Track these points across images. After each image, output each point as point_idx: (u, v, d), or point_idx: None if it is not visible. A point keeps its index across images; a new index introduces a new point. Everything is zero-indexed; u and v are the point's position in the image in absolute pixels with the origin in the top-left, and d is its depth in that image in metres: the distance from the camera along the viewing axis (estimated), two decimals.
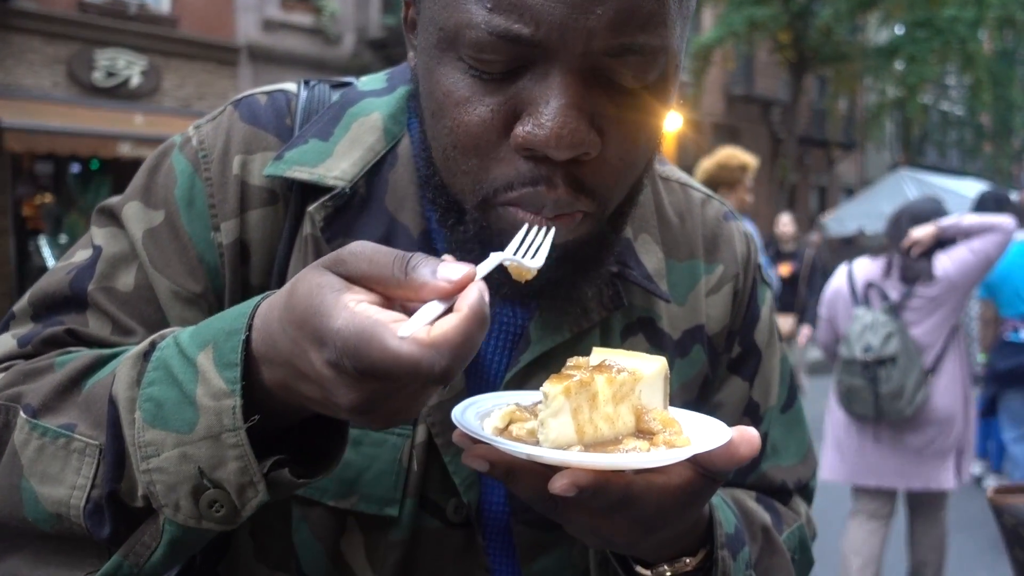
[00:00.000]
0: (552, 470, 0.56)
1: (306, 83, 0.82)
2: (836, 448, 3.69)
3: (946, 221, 3.52)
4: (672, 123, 20.24)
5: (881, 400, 3.40)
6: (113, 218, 0.77)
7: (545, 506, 0.60)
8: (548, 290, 0.71)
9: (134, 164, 12.82)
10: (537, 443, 0.58)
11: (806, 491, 0.96)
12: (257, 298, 0.58)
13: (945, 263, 3.46)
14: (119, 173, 12.81)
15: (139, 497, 0.58)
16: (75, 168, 11.79)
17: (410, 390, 0.52)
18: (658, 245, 0.84)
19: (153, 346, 0.60)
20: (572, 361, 0.63)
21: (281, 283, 0.74)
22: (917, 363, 3.40)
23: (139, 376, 0.58)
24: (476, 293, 0.49)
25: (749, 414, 0.90)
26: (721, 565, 0.70)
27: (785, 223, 7.34)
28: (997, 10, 17.30)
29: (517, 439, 0.59)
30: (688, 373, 0.85)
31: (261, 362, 0.55)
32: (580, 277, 0.72)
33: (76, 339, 0.70)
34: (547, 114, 0.60)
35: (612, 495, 0.57)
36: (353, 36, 15.54)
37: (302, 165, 0.74)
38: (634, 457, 0.57)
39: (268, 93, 0.81)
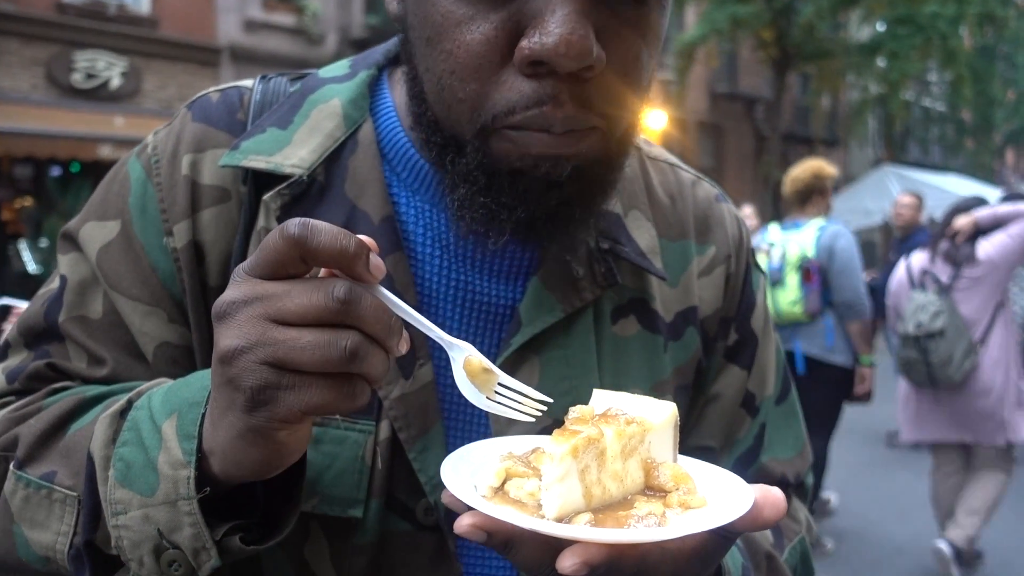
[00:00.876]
0: (557, 540, 0.51)
1: (263, 77, 0.80)
2: (912, 414, 4.35)
3: (981, 212, 4.15)
4: (656, 121, 20.28)
5: (932, 368, 4.01)
6: (73, 243, 0.75)
7: (546, 571, 0.54)
8: (560, 215, 0.66)
9: (114, 166, 12.72)
10: (539, 506, 0.53)
11: (803, 489, 0.92)
12: None
13: (987, 247, 4.09)
14: (99, 176, 12.64)
15: (112, 547, 0.60)
16: (55, 171, 11.67)
17: (276, 298, 0.51)
18: (650, 222, 0.81)
19: (130, 404, 0.62)
20: (575, 411, 0.58)
21: None
22: (965, 335, 4.03)
23: (114, 435, 0.61)
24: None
25: (746, 405, 0.87)
26: None
27: (748, 215, 6.85)
28: (977, 6, 17.44)
29: (516, 502, 0.54)
30: (682, 357, 0.82)
31: (212, 419, 0.56)
32: (588, 203, 0.68)
33: (57, 372, 0.71)
34: (554, 22, 0.58)
35: (626, 570, 0.51)
36: (336, 36, 15.46)
37: (259, 154, 0.72)
38: (653, 531, 0.51)
39: (221, 90, 0.79)
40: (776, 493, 0.55)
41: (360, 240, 0.52)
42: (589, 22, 0.59)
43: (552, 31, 0.58)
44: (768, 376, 0.89)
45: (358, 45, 15.52)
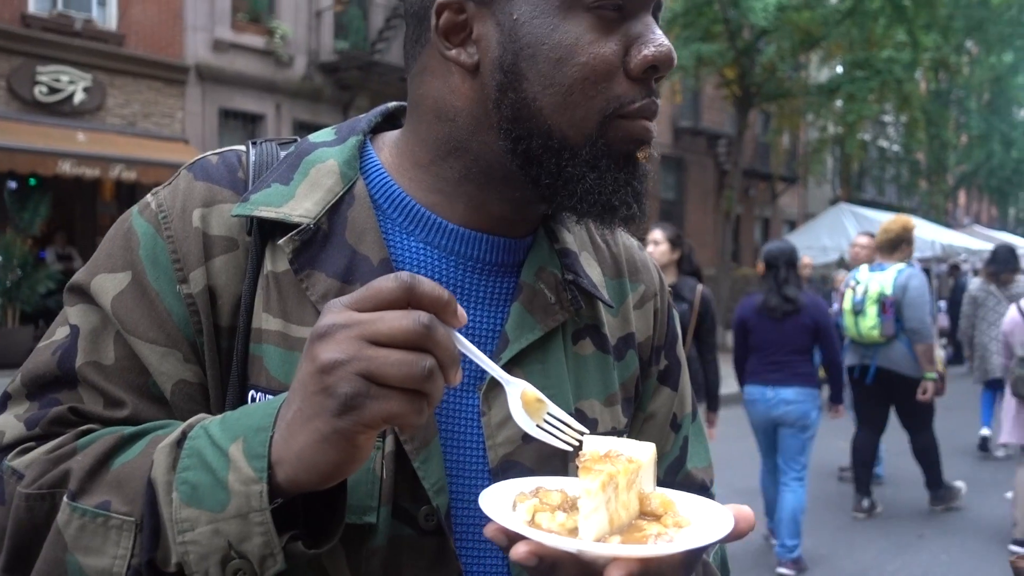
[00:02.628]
0: (590, 563, 0.63)
1: (253, 143, 0.90)
2: (1013, 420, 5.42)
3: None
4: None
5: None
6: (82, 294, 0.81)
7: None
8: (645, 192, 0.84)
9: (75, 182, 12.59)
10: (570, 532, 0.65)
11: (711, 494, 1.03)
12: (279, 401, 0.67)
13: None
14: (59, 191, 12.51)
15: (172, 564, 0.66)
16: (12, 185, 11.47)
17: (366, 325, 0.61)
18: (596, 262, 0.97)
19: (184, 435, 0.69)
20: (587, 453, 0.69)
21: (248, 320, 0.80)
22: None
23: (174, 462, 0.67)
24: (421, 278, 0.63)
25: (672, 421, 1.01)
26: None
27: (657, 239, 4.90)
28: (932, 53, 18.06)
29: (550, 532, 0.65)
30: (625, 375, 0.96)
31: (279, 442, 0.65)
32: (654, 168, 0.86)
33: (78, 416, 0.76)
34: (657, 40, 0.79)
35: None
36: (304, 59, 15.50)
37: (267, 206, 0.81)
38: (672, 546, 0.64)
39: (218, 154, 0.88)
40: (746, 510, 0.67)
41: (450, 293, 0.64)
42: None
43: (661, 45, 0.79)
44: (687, 397, 1.04)
45: (327, 69, 15.57)
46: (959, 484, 6.50)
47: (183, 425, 0.70)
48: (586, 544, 0.63)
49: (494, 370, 0.71)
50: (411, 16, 0.85)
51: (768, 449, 5.25)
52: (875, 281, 5.76)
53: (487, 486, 0.74)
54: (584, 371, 0.91)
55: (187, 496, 0.65)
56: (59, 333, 0.81)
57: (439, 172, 0.85)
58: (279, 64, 15.08)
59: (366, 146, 0.90)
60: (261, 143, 0.90)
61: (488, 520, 0.66)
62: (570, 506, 0.68)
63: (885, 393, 6.00)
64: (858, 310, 5.79)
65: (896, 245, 5.90)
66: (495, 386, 0.83)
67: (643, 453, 0.69)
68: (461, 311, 0.65)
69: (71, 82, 12.63)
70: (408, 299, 0.62)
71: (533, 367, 0.85)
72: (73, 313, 0.81)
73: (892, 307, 5.66)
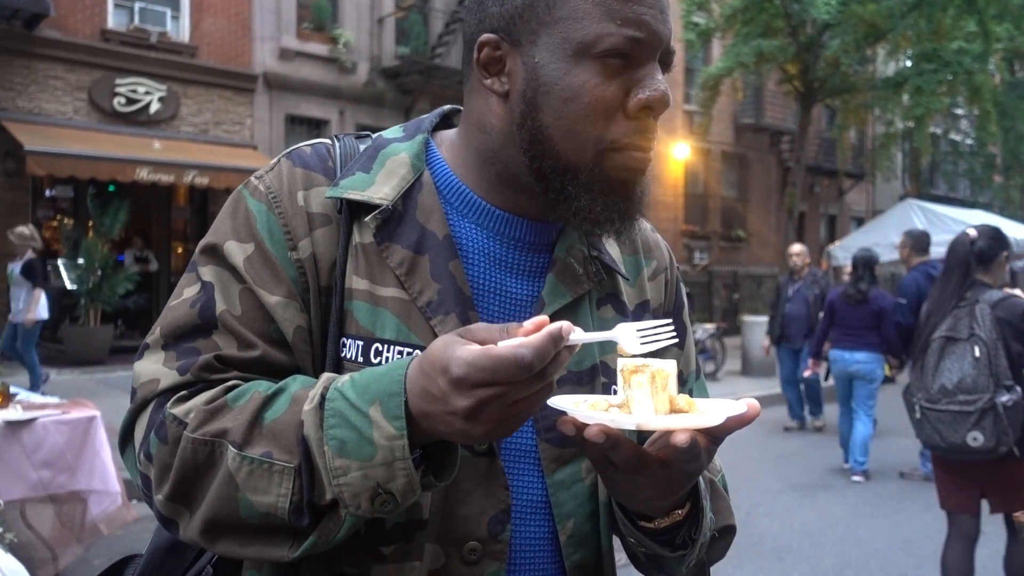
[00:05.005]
0: (640, 446, 0.84)
1: (337, 137, 1.08)
2: None
3: None
4: (680, 152, 20.35)
5: None
6: (215, 256, 0.98)
7: (632, 466, 0.83)
8: (636, 211, 0.98)
9: (152, 188, 13.07)
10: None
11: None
12: (402, 366, 0.82)
13: None
14: (137, 197, 13.05)
15: (327, 499, 0.82)
16: (93, 192, 12.02)
17: (508, 394, 0.74)
18: (615, 242, 1.13)
19: (324, 399, 0.84)
20: (624, 363, 0.83)
21: (342, 282, 0.97)
22: None
23: (320, 422, 0.83)
24: (553, 324, 0.76)
25: (678, 380, 1.12)
26: (707, 512, 0.97)
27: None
28: (1004, 43, 17.45)
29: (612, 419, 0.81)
30: None
31: (411, 405, 0.80)
32: (648, 192, 0.99)
33: (221, 362, 0.92)
34: (655, 85, 0.92)
35: (695, 448, 0.80)
36: (367, 65, 15.84)
37: (354, 189, 0.99)
38: (712, 417, 0.80)
39: (311, 145, 1.06)
40: (754, 402, 0.81)
41: (560, 327, 0.76)
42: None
43: (658, 88, 0.92)
44: (692, 357, 1.20)
45: (389, 74, 15.88)
46: None
47: (319, 387, 0.85)
48: (646, 418, 0.79)
49: (602, 336, 0.84)
50: (465, 43, 1.01)
51: (844, 398, 7.39)
52: None
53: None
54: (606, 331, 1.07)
55: (337, 449, 0.80)
56: (188, 292, 0.97)
57: (481, 172, 1.02)
58: (342, 71, 15.45)
59: (429, 143, 1.08)
60: (343, 137, 1.08)
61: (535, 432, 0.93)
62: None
63: None
64: None
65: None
66: None
67: (668, 366, 0.83)
68: (567, 327, 0.76)
69: (147, 93, 13.17)
70: (533, 374, 0.74)
71: None
72: (206, 272, 0.97)
73: None
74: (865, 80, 18.52)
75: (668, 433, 0.81)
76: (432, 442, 0.84)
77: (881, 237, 15.82)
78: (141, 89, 13.13)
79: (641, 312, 1.12)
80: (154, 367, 0.94)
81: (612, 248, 1.11)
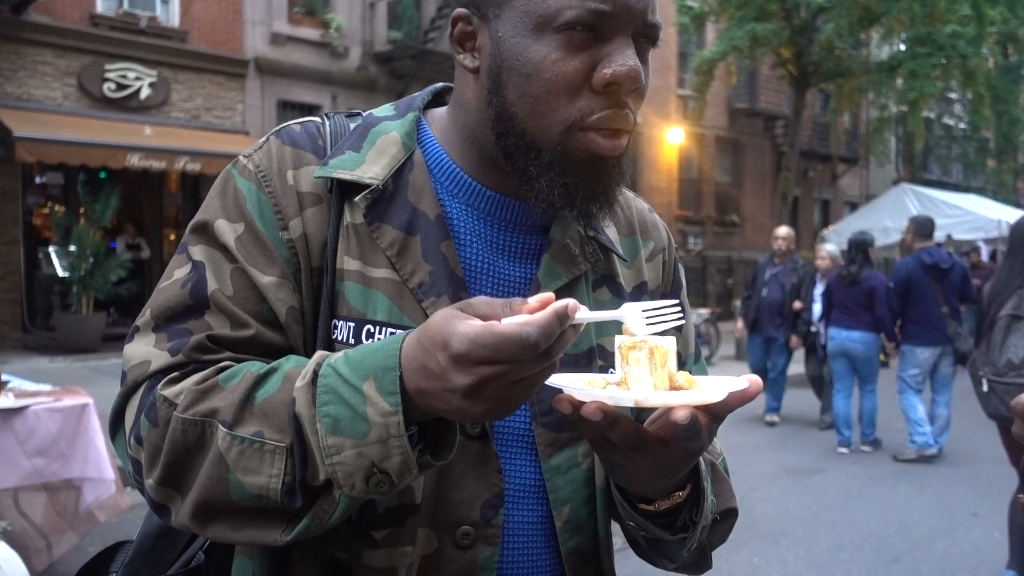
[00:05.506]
0: (639, 424, 0.81)
1: (327, 115, 1.06)
2: None
3: None
4: (674, 136, 20.33)
5: None
6: (205, 235, 0.96)
7: (631, 445, 0.81)
8: (607, 193, 0.94)
9: (143, 174, 13.00)
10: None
11: None
12: (397, 340, 0.79)
13: None
14: (128, 184, 12.98)
15: (320, 480, 0.79)
16: (84, 179, 11.93)
17: (510, 373, 0.71)
18: (612, 223, 1.11)
19: (316, 375, 0.80)
20: (622, 339, 0.81)
21: (333, 263, 0.95)
22: None
23: (312, 399, 0.79)
24: (558, 301, 0.71)
25: (678, 363, 1.10)
26: (708, 494, 0.96)
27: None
28: (999, 27, 17.43)
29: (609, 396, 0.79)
30: None
31: (407, 381, 0.77)
32: (620, 184, 0.96)
33: (214, 342, 0.90)
34: (622, 60, 0.87)
35: (696, 425, 0.78)
36: (359, 50, 15.74)
37: (343, 169, 0.97)
38: (712, 394, 0.77)
39: (300, 123, 1.03)
40: (755, 378, 0.79)
41: (565, 304, 0.71)
42: (637, 60, 0.89)
43: (624, 63, 0.87)
44: (690, 339, 1.17)
45: (381, 59, 15.79)
46: None
47: (312, 364, 0.82)
48: (645, 394, 0.76)
49: (609, 315, 0.81)
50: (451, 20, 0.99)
51: (841, 375, 7.68)
52: None
53: None
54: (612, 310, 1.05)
55: (330, 427, 0.77)
56: (179, 272, 0.94)
57: (466, 151, 1.00)
58: (334, 55, 15.35)
59: (421, 121, 1.05)
60: (333, 115, 1.05)
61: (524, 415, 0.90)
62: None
63: None
64: None
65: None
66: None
67: (668, 342, 0.81)
68: (573, 304, 0.72)
69: (137, 78, 13.06)
70: (544, 349, 0.70)
71: None
72: (197, 251, 0.95)
73: None
74: (859, 64, 18.50)
75: (668, 411, 0.79)
76: (429, 421, 0.82)
77: (875, 222, 15.85)
78: (131, 74, 13.02)
79: (639, 294, 1.09)
80: (145, 349, 0.91)
81: (610, 229, 1.09)
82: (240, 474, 0.81)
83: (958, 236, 14.34)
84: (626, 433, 0.80)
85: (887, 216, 16.10)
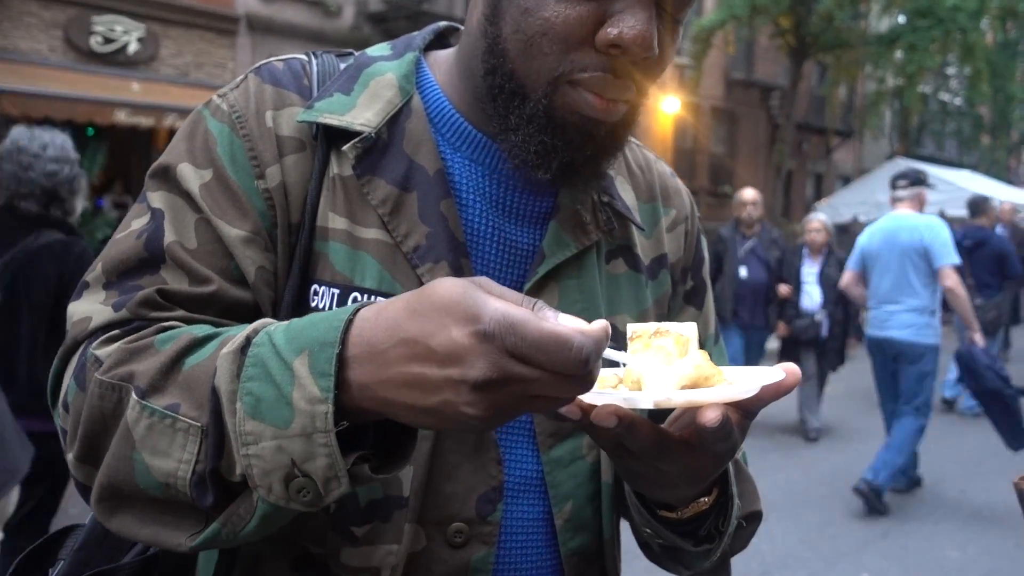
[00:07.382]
0: (660, 429, 0.69)
1: (314, 54, 0.93)
2: None
3: None
4: (670, 106, 20.17)
5: None
6: (166, 180, 0.84)
7: (652, 453, 0.70)
8: (590, 164, 0.84)
9: (130, 131, 12.80)
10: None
11: None
12: (347, 312, 0.64)
13: None
14: (115, 140, 12.77)
15: (237, 475, 0.65)
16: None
17: (539, 383, 0.57)
18: (630, 187, 1.00)
19: (248, 342, 0.66)
20: (635, 328, 0.71)
21: (313, 219, 0.83)
22: None
23: (238, 370, 0.65)
24: (602, 321, 0.59)
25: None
26: (735, 499, 0.85)
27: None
28: (999, 1, 17.28)
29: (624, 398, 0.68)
30: (659, 292, 1.00)
31: (351, 364, 0.62)
32: (611, 156, 0.86)
33: (165, 297, 0.77)
34: (635, 20, 0.75)
35: (728, 425, 0.67)
36: (353, 9, 15.46)
37: (331, 113, 0.85)
38: (743, 390, 0.66)
39: (283, 60, 0.91)
40: (792, 366, 0.68)
41: (605, 331, 0.59)
42: (655, 27, 0.77)
43: (634, 26, 0.75)
44: (710, 318, 1.08)
45: (375, 19, 15.52)
46: None
47: (248, 329, 0.68)
48: (665, 393, 0.65)
49: (619, 355, 0.69)
50: None
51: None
52: None
53: None
54: (616, 289, 0.95)
55: (251, 408, 0.63)
56: (136, 223, 0.83)
57: (466, 92, 0.88)
58: (327, 14, 15.07)
59: (420, 62, 0.94)
60: (321, 54, 0.93)
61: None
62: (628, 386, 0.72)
63: None
64: None
65: None
66: (532, 290, 0.88)
67: (688, 330, 0.70)
68: (607, 327, 0.59)
69: (125, 32, 12.80)
70: (583, 373, 0.58)
71: (568, 282, 0.90)
72: (156, 198, 0.83)
73: None
74: (858, 36, 18.35)
75: (692, 409, 0.67)
76: (385, 421, 0.67)
77: (868, 196, 15.84)
78: (119, 28, 12.74)
79: (657, 268, 0.99)
80: (88, 306, 0.79)
81: (627, 194, 0.98)
82: (147, 454, 0.67)
83: (951, 212, 14.33)
84: (646, 440, 0.68)
85: (880, 190, 16.04)
